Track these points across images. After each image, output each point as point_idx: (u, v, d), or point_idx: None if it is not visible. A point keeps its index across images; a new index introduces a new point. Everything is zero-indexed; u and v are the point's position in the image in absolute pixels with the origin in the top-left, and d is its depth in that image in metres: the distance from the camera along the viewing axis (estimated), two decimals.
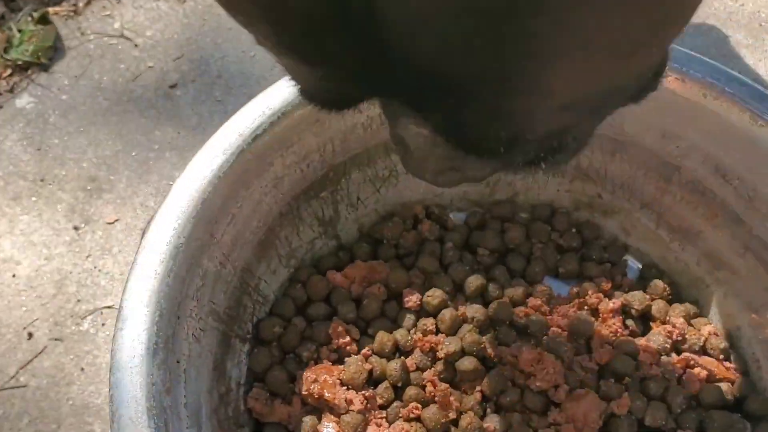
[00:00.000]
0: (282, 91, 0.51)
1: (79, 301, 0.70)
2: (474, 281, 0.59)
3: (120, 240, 0.74)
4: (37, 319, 0.69)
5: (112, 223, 0.74)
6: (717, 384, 0.55)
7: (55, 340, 0.68)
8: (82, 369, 0.66)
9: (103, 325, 0.69)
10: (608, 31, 0.24)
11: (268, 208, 0.53)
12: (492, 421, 0.53)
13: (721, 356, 0.57)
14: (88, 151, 0.79)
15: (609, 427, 0.53)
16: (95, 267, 0.72)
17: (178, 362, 0.44)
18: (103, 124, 0.81)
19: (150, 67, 0.86)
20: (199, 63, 0.86)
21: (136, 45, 0.87)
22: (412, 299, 0.58)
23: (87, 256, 0.73)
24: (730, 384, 0.56)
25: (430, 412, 0.52)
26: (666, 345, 0.56)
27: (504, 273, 0.61)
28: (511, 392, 0.54)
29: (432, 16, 0.24)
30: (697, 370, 0.56)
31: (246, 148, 0.49)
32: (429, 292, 0.58)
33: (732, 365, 0.57)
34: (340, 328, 0.55)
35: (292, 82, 0.34)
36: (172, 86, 0.85)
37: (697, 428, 0.53)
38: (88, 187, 0.77)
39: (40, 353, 0.67)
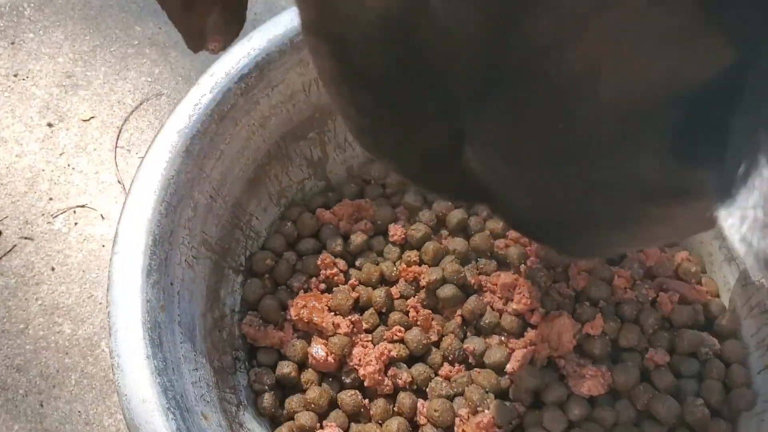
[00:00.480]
0: (267, 34, 0.54)
1: (51, 199, 0.69)
2: (456, 215, 0.61)
3: (95, 138, 0.73)
4: (6, 217, 0.67)
5: (88, 120, 0.73)
6: (688, 306, 0.58)
7: (25, 238, 0.67)
8: (53, 269, 0.66)
9: (75, 224, 0.68)
10: None
11: (256, 146, 0.56)
12: (472, 343, 0.56)
13: (693, 280, 0.60)
14: (64, 46, 0.77)
15: (583, 347, 0.56)
16: (69, 165, 0.71)
17: (171, 284, 0.47)
18: (80, 18, 0.79)
19: None
20: None
21: None
22: (397, 233, 0.61)
23: (60, 154, 0.71)
24: (701, 306, 0.59)
25: (413, 335, 0.55)
26: (640, 271, 0.59)
27: (486, 208, 0.64)
28: (489, 316, 0.57)
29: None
30: (669, 293, 0.59)
31: (232, 87, 0.52)
32: (413, 226, 0.61)
33: (704, 288, 0.60)
34: (328, 260, 0.58)
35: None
36: None
37: (668, 347, 0.56)
38: (64, 83, 0.75)
39: (9, 252, 0.66)
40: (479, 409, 0.52)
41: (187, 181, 0.49)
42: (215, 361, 0.50)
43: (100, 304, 0.64)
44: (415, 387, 0.55)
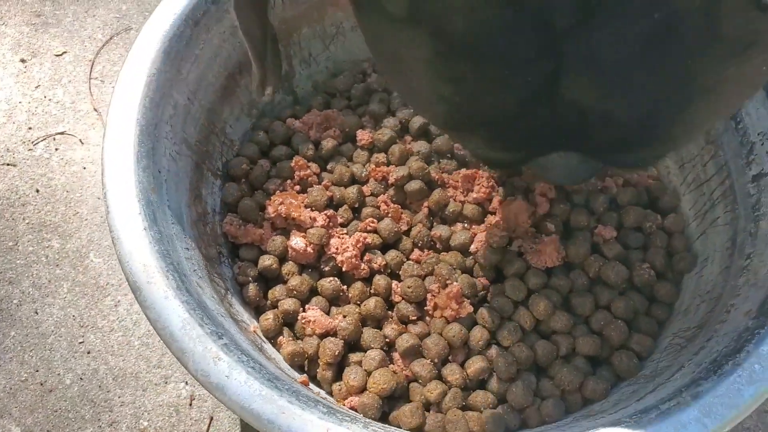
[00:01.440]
0: None
1: (30, 128, 0.71)
2: (418, 121, 0.65)
3: (69, 71, 0.75)
4: None
5: (61, 55, 0.75)
6: (632, 187, 0.63)
7: (8, 165, 0.69)
8: (37, 191, 0.68)
9: (56, 150, 0.70)
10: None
11: (227, 54, 0.59)
12: (438, 230, 0.60)
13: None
14: None
15: (539, 228, 0.61)
16: (45, 96, 0.73)
17: (159, 172, 0.50)
18: None
19: None
20: None
21: None
22: (364, 137, 0.64)
23: (36, 87, 0.73)
24: (644, 188, 0.64)
25: (385, 224, 0.59)
26: None
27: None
28: (452, 206, 0.61)
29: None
30: (615, 178, 0.64)
31: None
32: (379, 131, 0.64)
33: (646, 173, 0.65)
34: (301, 162, 0.62)
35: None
36: None
37: (616, 224, 0.61)
38: (33, 22, 0.77)
39: None
40: (448, 282, 0.57)
41: (167, 80, 0.52)
42: (203, 249, 0.54)
43: (86, 220, 0.67)
44: (389, 271, 0.59)
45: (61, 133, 0.72)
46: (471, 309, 0.56)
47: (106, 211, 0.46)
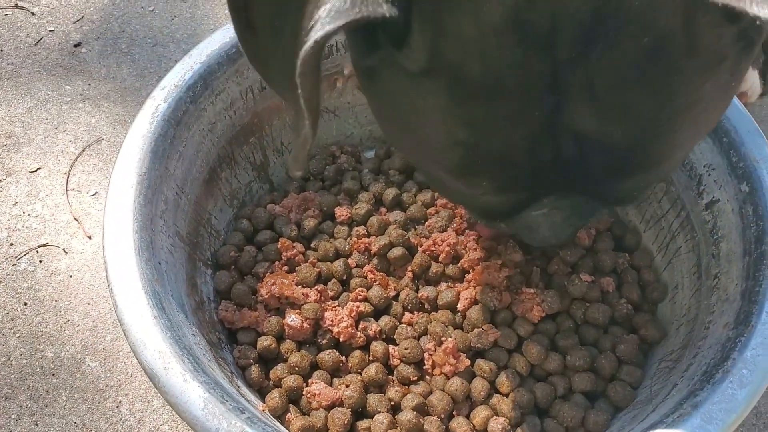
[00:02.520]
0: (205, 50, 0.61)
1: (12, 244, 0.72)
2: (390, 192, 0.69)
3: (46, 185, 0.76)
4: None
5: (35, 171, 0.77)
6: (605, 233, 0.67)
7: None
8: (25, 304, 0.69)
9: (40, 262, 0.71)
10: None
11: (207, 149, 0.62)
12: (425, 291, 0.63)
13: None
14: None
15: (514, 279, 0.63)
16: (24, 212, 0.74)
17: (159, 264, 0.52)
18: (10, 86, 0.83)
19: (51, 30, 0.89)
20: (101, 22, 0.90)
21: (33, 13, 0.90)
22: (342, 213, 0.67)
23: (14, 204, 0.74)
24: (608, 230, 0.68)
25: (374, 291, 0.62)
26: None
27: (413, 185, 0.71)
28: (434, 266, 0.64)
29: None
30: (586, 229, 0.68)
31: (182, 96, 0.58)
32: (356, 206, 0.68)
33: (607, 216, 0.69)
34: (287, 244, 0.64)
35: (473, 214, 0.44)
36: (77, 45, 0.88)
37: (590, 270, 0.64)
38: (5, 143, 0.79)
39: None
40: (443, 339, 0.59)
41: (157, 177, 0.55)
42: (205, 335, 0.55)
43: (78, 326, 0.67)
44: (384, 336, 0.61)
45: (44, 246, 0.73)
46: (468, 362, 0.58)
47: (114, 305, 0.47)
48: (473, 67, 0.33)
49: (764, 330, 0.46)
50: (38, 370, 0.64)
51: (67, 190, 0.76)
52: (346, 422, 0.55)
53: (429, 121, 0.36)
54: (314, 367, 0.60)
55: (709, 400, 0.43)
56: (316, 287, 0.62)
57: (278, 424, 0.55)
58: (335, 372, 0.59)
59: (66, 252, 0.72)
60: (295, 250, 0.64)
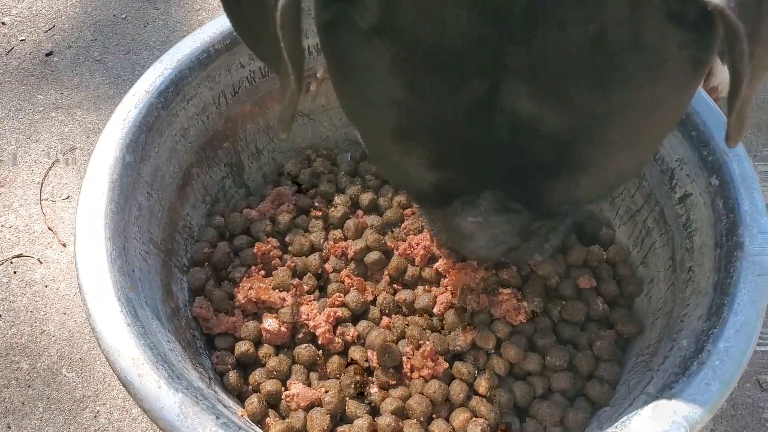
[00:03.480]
0: (176, 55, 0.60)
1: None
2: (367, 196, 0.69)
3: (19, 195, 0.76)
4: None
5: (8, 181, 0.75)
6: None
7: None
8: (0, 315, 0.68)
9: (14, 273, 0.70)
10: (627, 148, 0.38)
11: (180, 155, 0.62)
12: (402, 294, 0.62)
13: None
14: None
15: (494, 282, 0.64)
16: None
17: (133, 271, 0.51)
18: None
19: (22, 40, 0.89)
20: (72, 30, 0.90)
21: (3, 23, 0.89)
22: (317, 214, 0.67)
23: None
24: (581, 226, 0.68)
25: (351, 296, 0.61)
26: None
27: (389, 189, 0.71)
28: (411, 270, 0.64)
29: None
30: None
31: (153, 102, 0.58)
32: (332, 209, 0.67)
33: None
34: (263, 247, 0.64)
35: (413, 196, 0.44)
36: (48, 54, 0.88)
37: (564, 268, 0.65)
38: None
39: None
40: (420, 342, 0.59)
41: (129, 184, 0.54)
42: (182, 342, 0.54)
43: (54, 337, 0.66)
44: (363, 341, 0.61)
45: (18, 256, 0.72)
46: (446, 365, 0.58)
47: (86, 314, 0.47)
48: (422, 30, 0.33)
49: (736, 321, 0.46)
50: (14, 382, 0.63)
51: (40, 200, 0.75)
52: (325, 428, 0.54)
53: (374, 79, 0.36)
54: (292, 369, 0.59)
55: (684, 391, 0.43)
56: (292, 281, 0.61)
57: (257, 429, 0.54)
58: (312, 366, 0.59)
59: (41, 262, 0.71)
60: (270, 245, 0.64)
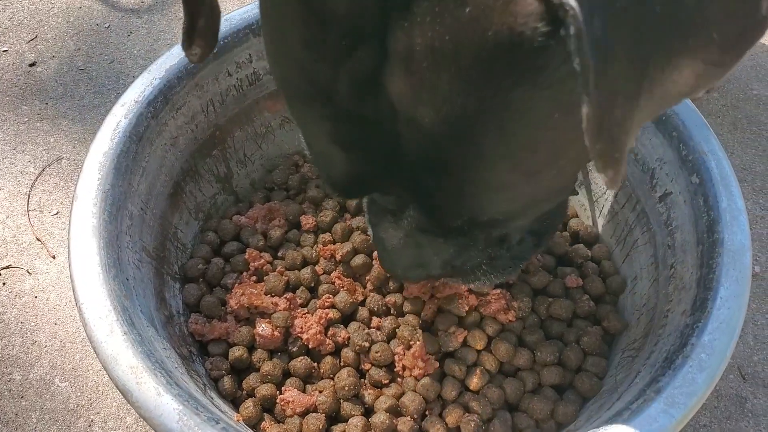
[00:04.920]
0: (164, 65, 0.61)
1: None
2: (355, 200, 0.70)
3: (6, 207, 0.75)
4: None
5: None
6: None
7: None
8: None
9: (3, 284, 0.70)
10: (517, 171, 0.36)
11: (170, 163, 0.62)
12: (392, 297, 0.63)
13: None
14: None
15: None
16: None
17: (127, 279, 0.52)
18: None
19: (4, 51, 0.88)
20: (55, 41, 0.89)
21: None
22: (308, 222, 0.68)
23: None
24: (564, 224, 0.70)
25: (341, 297, 0.62)
26: None
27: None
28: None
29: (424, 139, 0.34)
30: None
31: (143, 111, 0.58)
32: (321, 213, 0.68)
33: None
34: (254, 254, 0.64)
35: (324, 179, 0.43)
36: (32, 64, 0.87)
37: (551, 265, 0.66)
38: None
39: None
40: (411, 342, 0.59)
41: (121, 194, 0.54)
42: (177, 349, 0.55)
43: (45, 347, 0.66)
44: (356, 346, 0.61)
45: (6, 267, 0.71)
46: (437, 365, 0.58)
47: (83, 322, 0.47)
48: None
49: (720, 315, 0.47)
50: (6, 393, 0.63)
51: (28, 211, 0.75)
52: (320, 427, 0.55)
53: (281, 35, 0.36)
54: (287, 374, 0.60)
55: (670, 384, 0.45)
56: (285, 296, 0.62)
57: None
58: (308, 378, 0.59)
59: (30, 273, 0.71)
60: (262, 260, 0.65)
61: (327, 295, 0.63)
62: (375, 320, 0.62)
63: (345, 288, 0.63)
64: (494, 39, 0.29)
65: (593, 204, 0.69)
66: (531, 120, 0.32)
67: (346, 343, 0.60)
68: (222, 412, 0.52)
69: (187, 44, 0.43)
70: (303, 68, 0.36)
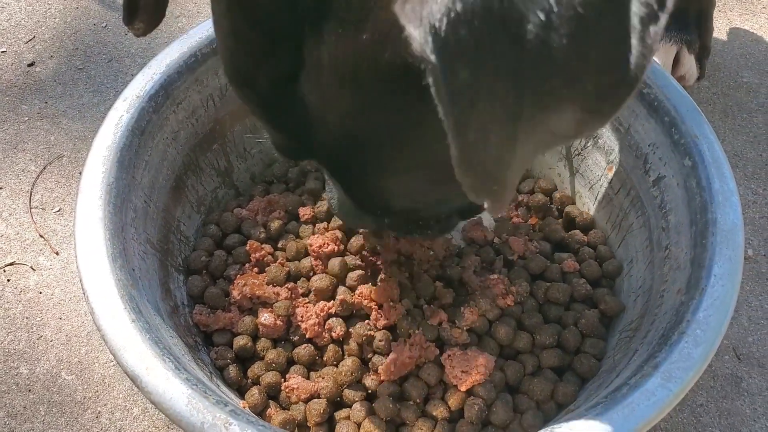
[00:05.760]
0: (164, 60, 0.61)
1: None
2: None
3: (8, 205, 0.76)
4: None
5: None
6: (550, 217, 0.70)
7: None
8: None
9: (8, 281, 0.71)
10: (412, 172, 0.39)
11: (172, 157, 0.63)
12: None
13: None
14: None
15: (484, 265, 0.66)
16: None
17: (133, 270, 0.52)
18: None
19: (3, 51, 0.89)
20: (53, 41, 0.90)
21: None
22: (306, 213, 0.69)
23: None
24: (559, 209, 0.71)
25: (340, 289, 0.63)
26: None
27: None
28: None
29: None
30: (531, 213, 0.70)
31: (145, 106, 0.59)
32: (318, 205, 0.69)
33: (560, 198, 0.72)
34: (255, 245, 0.65)
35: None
36: (30, 64, 0.88)
37: (548, 250, 0.67)
38: None
39: None
40: (410, 332, 0.60)
41: (125, 186, 0.55)
42: (183, 337, 0.55)
43: (51, 341, 0.67)
44: (362, 342, 0.61)
45: (10, 264, 0.72)
46: (437, 351, 0.59)
47: (90, 312, 0.48)
48: None
49: (713, 292, 0.48)
50: (14, 387, 0.64)
51: (30, 208, 0.75)
52: (322, 412, 0.56)
53: (219, 23, 0.39)
54: (291, 362, 0.60)
55: (667, 360, 0.46)
56: (286, 285, 0.63)
57: (259, 418, 0.56)
58: (312, 366, 0.60)
59: (34, 269, 0.72)
60: (264, 251, 0.65)
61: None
62: (374, 314, 0.63)
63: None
64: (388, 62, 0.31)
65: (590, 191, 0.70)
66: (423, 134, 0.35)
67: (341, 339, 0.61)
68: (229, 399, 0.53)
69: (128, 19, 0.45)
70: (232, 56, 0.39)
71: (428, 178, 0.40)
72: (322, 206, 0.68)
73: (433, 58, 0.25)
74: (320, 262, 0.64)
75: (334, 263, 0.63)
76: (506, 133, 0.28)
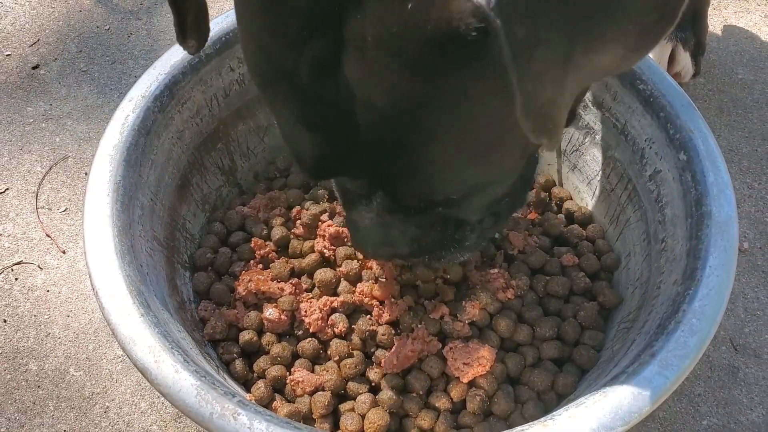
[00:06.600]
0: (168, 61, 0.63)
1: None
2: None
3: (15, 205, 0.77)
4: None
5: (3, 192, 0.77)
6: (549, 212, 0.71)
7: None
8: (5, 321, 0.69)
9: (16, 279, 0.72)
10: (461, 155, 0.40)
11: (177, 156, 0.64)
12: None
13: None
14: None
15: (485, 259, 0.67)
16: None
17: (141, 266, 0.53)
18: None
19: (8, 55, 0.90)
20: (57, 44, 0.91)
21: None
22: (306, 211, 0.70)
23: None
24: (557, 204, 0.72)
25: (342, 286, 0.64)
26: None
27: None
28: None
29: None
30: (531, 209, 0.72)
31: (150, 106, 0.60)
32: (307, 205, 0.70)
33: (558, 194, 0.73)
34: (259, 242, 0.66)
35: (295, 160, 0.47)
36: (35, 67, 0.89)
37: (548, 245, 0.68)
38: None
39: None
40: (413, 326, 0.61)
41: (132, 185, 0.56)
42: (190, 332, 0.56)
43: (59, 338, 0.68)
44: (369, 339, 0.62)
45: (18, 263, 0.73)
46: (439, 345, 0.60)
47: (100, 307, 0.49)
48: None
49: (709, 282, 0.49)
50: (23, 383, 0.65)
51: (37, 208, 0.76)
52: (326, 404, 0.57)
53: (250, 24, 0.40)
54: (296, 356, 0.61)
55: (664, 348, 0.47)
56: (290, 281, 0.64)
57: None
58: (316, 360, 0.61)
59: (41, 268, 0.73)
60: (267, 248, 0.66)
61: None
62: (377, 310, 0.64)
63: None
64: (433, 31, 0.32)
65: (587, 186, 0.71)
66: (472, 105, 0.36)
67: (343, 335, 0.61)
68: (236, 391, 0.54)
69: (182, 38, 0.47)
70: (269, 54, 0.39)
71: (473, 150, 0.40)
72: (324, 202, 0.69)
73: (494, 17, 0.28)
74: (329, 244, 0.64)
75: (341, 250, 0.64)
76: (558, 77, 0.31)
